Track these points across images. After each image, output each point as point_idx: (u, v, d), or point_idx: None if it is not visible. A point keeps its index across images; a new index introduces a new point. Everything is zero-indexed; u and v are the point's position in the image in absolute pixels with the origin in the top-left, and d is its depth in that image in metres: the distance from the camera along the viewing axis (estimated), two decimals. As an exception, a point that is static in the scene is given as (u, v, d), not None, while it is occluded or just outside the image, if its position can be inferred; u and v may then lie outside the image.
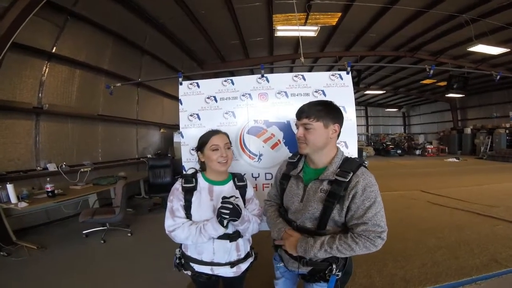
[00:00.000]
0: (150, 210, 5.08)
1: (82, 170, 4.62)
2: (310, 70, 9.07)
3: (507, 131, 12.94)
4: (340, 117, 1.17)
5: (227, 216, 1.15)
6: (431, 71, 2.41)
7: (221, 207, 1.15)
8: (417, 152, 16.72)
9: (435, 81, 12.50)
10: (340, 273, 1.14)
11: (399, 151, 16.36)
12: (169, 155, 6.97)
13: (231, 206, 1.15)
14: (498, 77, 2.70)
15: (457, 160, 12.49)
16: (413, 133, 21.54)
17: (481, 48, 7.23)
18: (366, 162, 1.14)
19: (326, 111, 1.13)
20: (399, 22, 6.76)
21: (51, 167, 4.35)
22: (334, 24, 6.72)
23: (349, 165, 1.09)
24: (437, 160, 13.06)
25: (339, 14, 6.25)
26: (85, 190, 4.18)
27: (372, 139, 21.17)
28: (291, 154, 1.37)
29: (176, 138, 7.09)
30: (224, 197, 1.19)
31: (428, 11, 5.91)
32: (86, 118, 5.23)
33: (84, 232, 3.74)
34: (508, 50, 7.66)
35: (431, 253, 2.88)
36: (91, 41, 5.20)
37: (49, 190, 3.53)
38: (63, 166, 4.46)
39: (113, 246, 3.44)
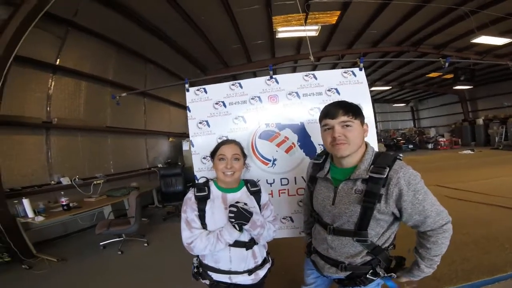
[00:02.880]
0: (165, 219, 5.06)
1: (95, 182, 4.68)
2: (313, 69, 8.96)
3: (521, 120, 12.53)
4: None
5: (233, 220, 1.17)
6: (446, 64, 2.29)
7: (229, 211, 1.18)
8: (429, 146, 16.32)
9: (441, 74, 12.23)
10: (383, 273, 1.09)
11: (410, 146, 16.00)
12: (179, 163, 6.97)
13: (235, 209, 1.16)
14: (516, 66, 2.56)
15: (472, 152, 12.10)
16: (423, 127, 21.08)
17: (484, 39, 7.11)
18: (401, 155, 1.07)
19: (360, 109, 1.10)
20: (399, 17, 6.66)
21: (65, 181, 4.40)
22: (334, 22, 6.65)
23: (383, 160, 1.03)
24: (451, 153, 12.72)
25: (338, 12, 6.19)
26: (99, 202, 4.24)
27: (382, 135, 20.84)
28: (307, 157, 1.30)
29: (185, 146, 7.11)
30: (232, 204, 1.20)
31: (426, 4, 5.85)
32: (95, 130, 5.26)
33: (101, 243, 3.75)
34: (512, 40, 7.46)
35: (459, 250, 2.74)
36: (94, 52, 5.23)
37: (64, 203, 3.61)
38: (76, 179, 4.51)
39: (130, 257, 3.45)
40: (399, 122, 22.45)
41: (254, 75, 9.77)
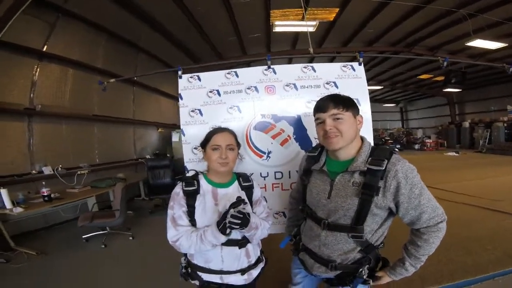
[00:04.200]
0: (151, 212, 4.94)
1: (79, 172, 4.50)
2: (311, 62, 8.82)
3: (505, 125, 12.92)
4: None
5: (237, 227, 1.06)
6: (445, 63, 2.30)
7: (232, 216, 1.05)
8: (416, 146, 16.72)
9: (432, 76, 12.45)
10: (366, 275, 1.07)
11: (398, 146, 16.32)
12: (168, 155, 6.83)
13: (241, 216, 1.05)
14: (511, 69, 2.60)
15: (457, 154, 12.46)
16: (411, 127, 21.51)
17: (479, 43, 7.22)
18: (396, 149, 1.06)
19: (351, 101, 1.08)
20: (397, 17, 6.67)
21: (47, 170, 4.20)
22: (332, 19, 6.62)
23: (381, 153, 1.02)
24: (436, 154, 13.04)
25: (337, 9, 6.15)
26: (83, 194, 4.05)
27: (371, 135, 21.10)
28: (302, 151, 1.27)
29: (175, 137, 6.98)
30: (233, 204, 1.07)
31: (426, 6, 5.87)
32: (81, 118, 5.07)
33: (84, 236, 3.63)
34: (506, 44, 7.64)
35: (445, 250, 2.77)
36: (84, 39, 5.02)
37: (45, 194, 3.42)
38: (59, 169, 4.32)
39: (114, 251, 3.34)
40: (388, 122, 22.76)
41: (249, 66, 9.62)
